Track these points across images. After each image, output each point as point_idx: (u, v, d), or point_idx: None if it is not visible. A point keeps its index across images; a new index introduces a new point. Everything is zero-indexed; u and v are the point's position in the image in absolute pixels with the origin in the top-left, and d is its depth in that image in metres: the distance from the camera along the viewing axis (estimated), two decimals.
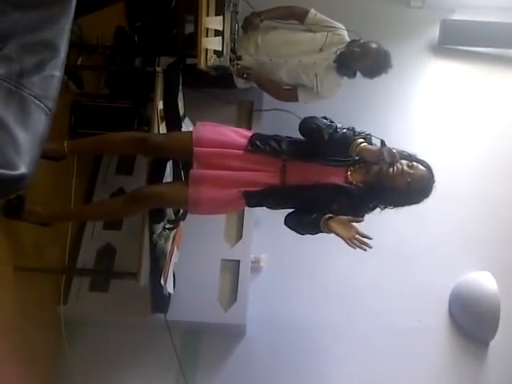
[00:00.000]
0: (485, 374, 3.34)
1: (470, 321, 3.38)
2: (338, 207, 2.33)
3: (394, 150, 2.26)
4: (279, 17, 3.43)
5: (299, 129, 2.48)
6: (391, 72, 3.25)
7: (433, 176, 2.37)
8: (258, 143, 2.46)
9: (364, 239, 2.20)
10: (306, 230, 2.43)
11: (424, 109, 4.20)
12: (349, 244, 2.23)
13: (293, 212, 2.47)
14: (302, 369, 3.20)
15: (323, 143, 2.38)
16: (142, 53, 3.54)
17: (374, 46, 3.24)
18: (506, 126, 4.13)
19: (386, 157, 2.24)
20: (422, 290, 3.42)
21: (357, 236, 2.21)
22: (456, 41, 4.39)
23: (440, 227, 3.63)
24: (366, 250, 2.22)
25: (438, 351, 3.36)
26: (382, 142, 2.27)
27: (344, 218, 2.25)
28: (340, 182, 2.37)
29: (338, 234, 2.25)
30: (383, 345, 3.28)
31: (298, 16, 3.41)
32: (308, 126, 2.44)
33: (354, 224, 2.24)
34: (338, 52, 3.30)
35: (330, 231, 2.27)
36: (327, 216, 2.28)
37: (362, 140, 2.32)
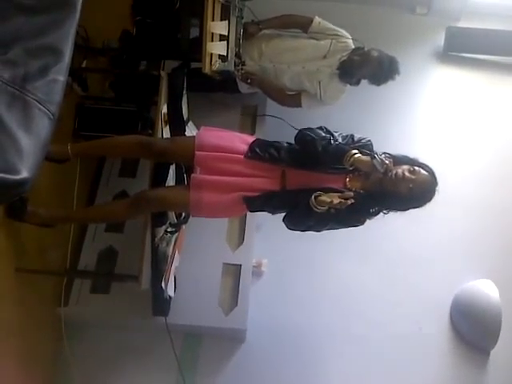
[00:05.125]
0: (485, 383, 3.33)
1: (472, 329, 3.37)
2: (337, 211, 2.33)
3: (387, 160, 2.26)
4: (280, 26, 3.42)
5: (295, 141, 2.50)
6: (397, 79, 3.25)
7: (435, 180, 2.36)
8: (257, 150, 2.47)
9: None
10: (301, 220, 2.40)
11: (429, 115, 4.20)
12: (340, 205, 2.21)
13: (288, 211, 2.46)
14: (302, 375, 3.19)
15: (318, 155, 2.39)
16: (147, 56, 3.54)
17: (375, 54, 3.23)
18: (511, 134, 4.12)
19: (379, 167, 2.25)
20: (424, 298, 3.42)
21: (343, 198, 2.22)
22: (461, 48, 4.40)
23: (442, 235, 3.63)
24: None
25: (438, 359, 3.35)
26: (372, 156, 2.29)
27: (333, 193, 2.25)
28: (338, 187, 2.37)
29: (329, 203, 2.23)
30: (384, 352, 3.27)
31: (301, 25, 3.40)
32: (303, 138, 2.45)
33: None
34: (341, 60, 3.30)
35: (321, 205, 2.25)
36: (315, 194, 2.27)
37: (356, 151, 2.32)
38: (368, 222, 2.41)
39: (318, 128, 2.46)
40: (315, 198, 2.27)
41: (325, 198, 2.24)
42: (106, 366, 3.12)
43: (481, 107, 4.23)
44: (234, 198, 2.42)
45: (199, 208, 2.47)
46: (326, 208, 2.26)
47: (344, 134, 2.44)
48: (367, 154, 2.32)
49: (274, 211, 2.52)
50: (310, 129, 2.46)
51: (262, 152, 2.46)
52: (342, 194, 2.24)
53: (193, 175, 2.49)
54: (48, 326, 2.94)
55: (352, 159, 2.31)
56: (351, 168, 2.35)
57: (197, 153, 2.47)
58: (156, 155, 2.61)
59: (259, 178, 2.45)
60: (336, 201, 2.20)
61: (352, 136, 2.42)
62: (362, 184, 2.39)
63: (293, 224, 2.45)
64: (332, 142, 2.38)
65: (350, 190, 2.36)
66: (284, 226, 2.47)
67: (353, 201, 2.20)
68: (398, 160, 2.36)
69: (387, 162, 2.26)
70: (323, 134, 2.42)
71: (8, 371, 2.63)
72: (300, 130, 2.49)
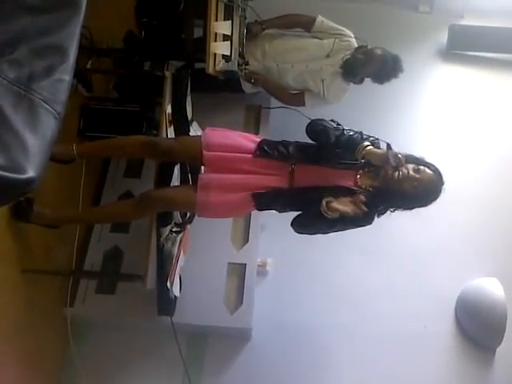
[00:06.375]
0: (491, 381, 3.33)
1: (477, 327, 3.37)
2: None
3: (400, 155, 2.25)
4: (283, 25, 3.43)
5: (306, 131, 2.47)
6: (400, 77, 3.25)
7: (441, 179, 2.36)
8: (266, 148, 2.48)
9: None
10: (311, 225, 2.37)
11: (433, 114, 4.19)
12: (354, 213, 2.17)
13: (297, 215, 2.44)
14: (308, 373, 3.19)
15: (330, 146, 2.38)
16: (151, 57, 3.56)
17: (378, 52, 3.23)
18: None
19: (392, 160, 2.23)
20: (429, 296, 3.41)
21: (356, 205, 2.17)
22: (464, 46, 4.39)
23: (448, 232, 3.63)
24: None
25: (443, 357, 3.35)
26: (388, 146, 2.27)
27: (344, 198, 2.22)
28: (350, 186, 2.36)
29: (342, 212, 2.18)
30: (389, 350, 3.27)
31: (304, 24, 3.40)
32: (315, 128, 2.44)
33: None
34: (344, 58, 3.30)
35: (332, 212, 2.21)
36: (325, 200, 2.22)
37: (368, 143, 2.32)
38: (375, 220, 2.41)
39: (330, 120, 2.45)
40: (327, 204, 2.22)
41: (336, 205, 2.19)
42: (111, 365, 3.13)
43: (485, 105, 4.23)
44: (242, 198, 2.42)
45: (206, 209, 2.48)
46: (338, 215, 2.21)
47: (353, 130, 2.42)
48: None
49: (281, 209, 2.52)
50: (321, 119, 2.45)
51: (270, 150, 2.46)
52: (353, 198, 2.19)
53: (200, 175, 2.49)
54: (54, 326, 2.95)
55: (364, 151, 2.30)
56: (362, 161, 2.34)
57: (205, 153, 2.48)
58: (161, 155, 2.62)
59: (268, 175, 2.44)
60: (348, 208, 2.16)
61: (361, 133, 2.40)
62: (371, 181, 2.38)
63: (302, 227, 2.42)
64: (345, 132, 2.37)
65: (360, 187, 2.35)
66: (289, 226, 2.44)
67: (365, 209, 2.16)
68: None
69: (400, 156, 2.26)
70: (335, 126, 2.41)
71: (14, 371, 2.64)
72: (312, 121, 2.48)
